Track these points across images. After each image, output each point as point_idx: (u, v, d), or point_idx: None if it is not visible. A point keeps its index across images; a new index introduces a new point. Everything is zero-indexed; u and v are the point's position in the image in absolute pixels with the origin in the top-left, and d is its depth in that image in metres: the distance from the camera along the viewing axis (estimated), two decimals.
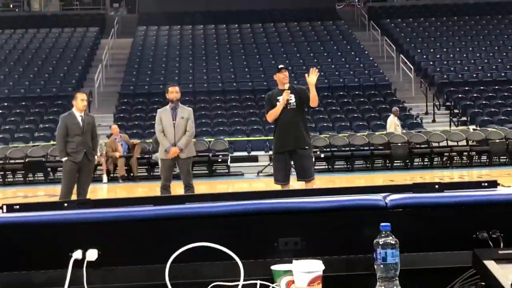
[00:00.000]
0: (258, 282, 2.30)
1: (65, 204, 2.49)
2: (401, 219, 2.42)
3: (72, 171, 9.37)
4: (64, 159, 9.45)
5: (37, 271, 2.36)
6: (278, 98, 8.27)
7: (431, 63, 25.34)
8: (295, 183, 8.83)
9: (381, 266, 2.26)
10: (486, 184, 2.57)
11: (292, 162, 8.52)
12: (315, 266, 2.23)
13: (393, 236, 2.27)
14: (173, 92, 9.42)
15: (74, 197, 9.32)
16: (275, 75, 8.45)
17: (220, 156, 18.48)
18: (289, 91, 8.24)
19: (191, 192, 9.24)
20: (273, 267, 2.31)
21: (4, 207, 2.52)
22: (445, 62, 25.42)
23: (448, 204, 2.50)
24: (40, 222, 2.43)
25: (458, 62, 25.40)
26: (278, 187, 8.24)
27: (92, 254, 2.35)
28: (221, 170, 18.46)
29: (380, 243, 2.28)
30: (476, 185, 2.60)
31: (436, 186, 2.56)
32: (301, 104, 8.37)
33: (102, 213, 2.47)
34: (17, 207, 2.51)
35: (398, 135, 18.72)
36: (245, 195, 2.63)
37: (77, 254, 2.34)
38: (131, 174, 17.28)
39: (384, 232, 2.29)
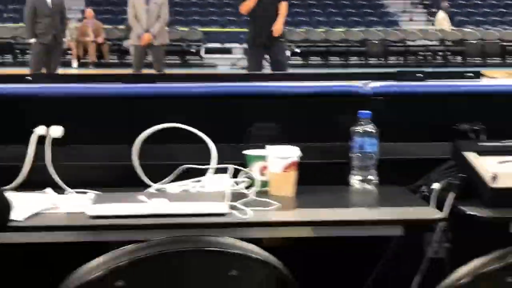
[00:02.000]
0: (231, 166, 2.24)
1: (29, 77, 2.38)
2: (382, 107, 2.36)
3: (40, 53, 9.29)
4: (32, 40, 9.33)
5: None
6: None
7: None
8: None
9: (358, 154, 2.24)
10: (470, 74, 2.50)
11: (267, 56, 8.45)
12: (291, 152, 2.18)
13: (373, 124, 2.24)
14: None
15: None
16: None
17: (194, 46, 18.32)
18: None
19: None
20: (246, 152, 2.25)
21: None
22: None
23: (431, 93, 2.46)
24: (1, 94, 2.33)
25: None
26: None
27: (56, 131, 2.27)
28: (194, 61, 18.35)
29: (358, 130, 2.24)
30: (460, 75, 2.53)
31: (421, 75, 2.50)
32: None
33: (69, 88, 2.37)
34: None
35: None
36: (220, 78, 2.55)
37: (41, 130, 2.26)
38: (102, 60, 17.07)
39: (363, 120, 2.25)
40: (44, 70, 9.34)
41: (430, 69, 16.51)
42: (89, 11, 17.29)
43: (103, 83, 2.45)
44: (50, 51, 9.31)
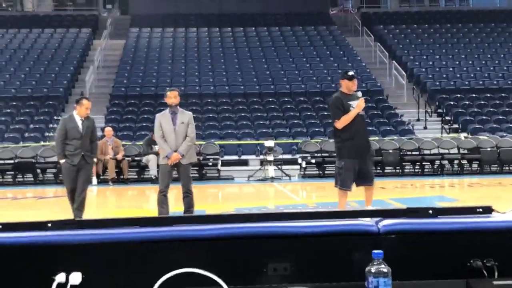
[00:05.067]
0: None
1: (49, 225, 2.42)
2: (393, 245, 2.38)
3: (70, 173, 9.48)
4: (61, 161, 9.55)
5: None
6: (350, 103, 8.23)
7: (423, 69, 25.39)
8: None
9: None
10: (480, 210, 2.52)
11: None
12: None
13: (386, 264, 2.24)
14: (171, 97, 9.31)
15: None
16: (343, 80, 8.43)
17: (211, 159, 18.48)
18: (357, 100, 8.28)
19: (189, 199, 9.18)
20: None
21: None
22: (437, 69, 25.48)
23: (442, 230, 2.46)
24: (22, 243, 2.37)
25: (450, 69, 25.46)
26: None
27: (75, 278, 2.29)
28: (211, 174, 18.43)
29: (373, 271, 2.24)
30: (471, 210, 2.55)
31: (430, 212, 2.52)
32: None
33: (87, 235, 2.41)
34: (0, 226, 2.44)
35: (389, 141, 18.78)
36: (232, 218, 2.57)
37: (61, 277, 2.28)
38: (121, 177, 17.21)
39: (376, 260, 2.25)
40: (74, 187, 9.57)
41: (445, 178, 16.57)
42: (109, 130, 17.59)
43: (120, 228, 2.48)
44: (79, 170, 9.51)
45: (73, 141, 9.48)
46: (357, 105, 8.23)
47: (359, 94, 8.39)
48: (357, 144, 8.30)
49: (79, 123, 9.51)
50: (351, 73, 8.67)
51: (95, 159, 10.10)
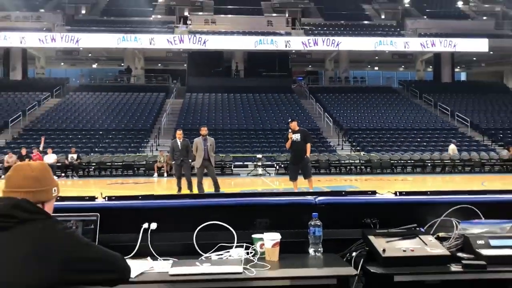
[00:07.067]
0: (244, 244, 2.23)
1: (140, 197, 2.40)
2: (323, 210, 2.35)
3: (177, 169, 9.74)
4: (172, 162, 9.65)
5: (123, 234, 2.27)
6: (293, 135, 8.44)
7: (341, 117, 25.27)
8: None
9: (312, 236, 2.21)
10: (370, 192, 2.50)
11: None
12: (276, 236, 2.17)
13: (319, 220, 2.22)
14: (203, 130, 9.37)
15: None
16: (291, 123, 8.63)
17: (228, 164, 18.34)
18: (292, 133, 8.41)
19: (217, 186, 9.13)
20: (253, 236, 2.23)
21: (106, 197, 2.42)
22: (349, 117, 25.38)
23: (349, 203, 2.43)
24: (125, 207, 2.34)
25: (356, 117, 25.35)
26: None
27: (153, 226, 2.26)
28: (228, 172, 18.25)
29: (312, 224, 2.23)
30: (365, 193, 2.52)
31: (343, 193, 2.49)
32: (304, 139, 8.49)
33: (158, 203, 2.38)
34: (113, 198, 2.41)
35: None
36: (238, 195, 2.55)
37: (145, 225, 2.25)
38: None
39: (314, 218, 2.24)
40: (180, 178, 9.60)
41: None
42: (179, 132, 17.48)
43: (176, 199, 2.45)
44: (181, 167, 9.54)
45: (176, 153, 9.64)
46: (288, 136, 8.51)
47: (290, 131, 8.54)
48: (295, 156, 8.43)
49: (179, 143, 9.67)
50: (289, 119, 8.96)
51: (192, 163, 9.80)
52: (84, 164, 17.95)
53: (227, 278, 1.87)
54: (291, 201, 2.40)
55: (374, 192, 2.49)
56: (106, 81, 31.02)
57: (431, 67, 32.45)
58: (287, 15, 31.19)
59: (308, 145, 8.54)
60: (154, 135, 21.91)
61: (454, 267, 1.95)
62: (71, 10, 32.38)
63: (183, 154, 9.53)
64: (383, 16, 34.56)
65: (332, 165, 18.66)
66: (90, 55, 31.15)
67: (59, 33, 26.62)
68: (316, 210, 2.26)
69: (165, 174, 16.97)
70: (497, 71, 33.58)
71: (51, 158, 16.88)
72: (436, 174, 18.30)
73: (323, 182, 13.95)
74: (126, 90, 28.77)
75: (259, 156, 17.98)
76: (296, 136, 8.44)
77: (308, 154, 8.49)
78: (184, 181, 9.64)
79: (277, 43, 27.63)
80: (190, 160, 9.68)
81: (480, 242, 2.04)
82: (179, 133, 9.97)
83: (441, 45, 28.08)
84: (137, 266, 1.95)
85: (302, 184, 8.69)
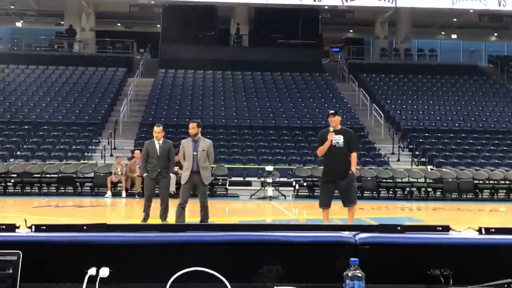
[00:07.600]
0: None
1: (84, 227, 2.43)
2: (367, 254, 2.36)
3: (149, 185, 9.67)
4: (144, 174, 9.71)
5: (57, 284, 2.29)
6: (332, 136, 7.88)
7: (398, 112, 25.41)
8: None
9: None
10: (440, 228, 2.52)
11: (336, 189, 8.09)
12: None
13: (360, 270, 2.22)
14: (190, 128, 9.30)
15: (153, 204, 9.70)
16: (332, 116, 8.05)
17: (220, 179, 18.43)
18: (333, 133, 7.88)
19: (205, 211, 9.11)
20: None
21: (33, 227, 2.45)
22: (409, 112, 25.51)
23: (408, 244, 2.45)
24: (62, 241, 2.37)
25: (420, 112, 25.48)
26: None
27: (104, 272, 2.29)
28: (220, 191, 18.36)
29: (349, 275, 2.23)
30: (432, 228, 2.54)
31: (398, 228, 2.51)
32: (348, 144, 7.94)
33: (115, 237, 2.40)
34: (44, 227, 2.44)
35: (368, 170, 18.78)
36: (235, 227, 2.57)
37: (92, 271, 2.28)
38: None
39: (353, 266, 2.24)
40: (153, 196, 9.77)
41: (414, 202, 16.52)
42: (137, 152, 17.61)
43: (143, 232, 2.47)
44: (156, 183, 9.56)
45: (153, 160, 9.70)
46: (328, 138, 7.99)
47: (331, 129, 8.02)
48: (332, 169, 7.99)
49: (157, 146, 9.82)
50: (331, 111, 8.34)
51: (171, 174, 10.04)
52: None
53: None
54: (318, 239, 2.43)
55: (447, 228, 2.51)
56: (36, 49, 31.36)
57: None
58: None
59: (354, 155, 8.03)
60: (108, 133, 22.06)
61: None
62: None
63: (161, 164, 9.53)
64: None
65: (383, 185, 18.71)
66: (12, 7, 31.41)
67: None
68: (357, 253, 2.29)
69: (124, 193, 17.09)
70: None
71: None
72: None
73: (367, 212, 13.96)
74: (67, 62, 29.06)
75: (269, 168, 18.01)
76: (338, 139, 7.92)
77: (353, 168, 8.01)
78: (155, 204, 9.68)
79: None
80: (171, 174, 9.69)
81: None
82: (158, 130, 10.00)
83: None
84: None
85: (335, 213, 8.63)
